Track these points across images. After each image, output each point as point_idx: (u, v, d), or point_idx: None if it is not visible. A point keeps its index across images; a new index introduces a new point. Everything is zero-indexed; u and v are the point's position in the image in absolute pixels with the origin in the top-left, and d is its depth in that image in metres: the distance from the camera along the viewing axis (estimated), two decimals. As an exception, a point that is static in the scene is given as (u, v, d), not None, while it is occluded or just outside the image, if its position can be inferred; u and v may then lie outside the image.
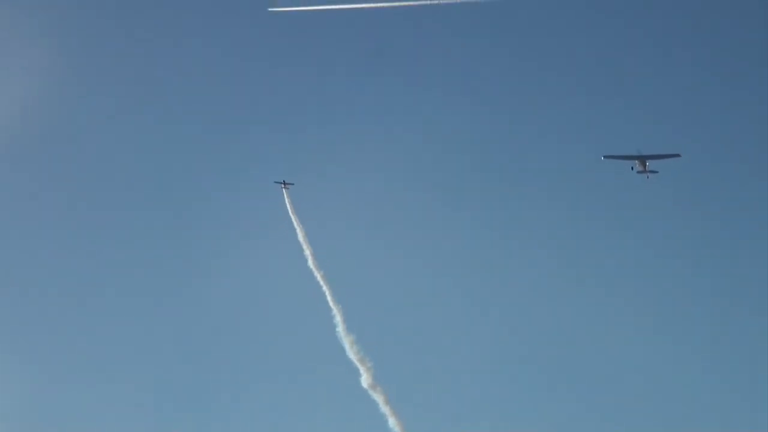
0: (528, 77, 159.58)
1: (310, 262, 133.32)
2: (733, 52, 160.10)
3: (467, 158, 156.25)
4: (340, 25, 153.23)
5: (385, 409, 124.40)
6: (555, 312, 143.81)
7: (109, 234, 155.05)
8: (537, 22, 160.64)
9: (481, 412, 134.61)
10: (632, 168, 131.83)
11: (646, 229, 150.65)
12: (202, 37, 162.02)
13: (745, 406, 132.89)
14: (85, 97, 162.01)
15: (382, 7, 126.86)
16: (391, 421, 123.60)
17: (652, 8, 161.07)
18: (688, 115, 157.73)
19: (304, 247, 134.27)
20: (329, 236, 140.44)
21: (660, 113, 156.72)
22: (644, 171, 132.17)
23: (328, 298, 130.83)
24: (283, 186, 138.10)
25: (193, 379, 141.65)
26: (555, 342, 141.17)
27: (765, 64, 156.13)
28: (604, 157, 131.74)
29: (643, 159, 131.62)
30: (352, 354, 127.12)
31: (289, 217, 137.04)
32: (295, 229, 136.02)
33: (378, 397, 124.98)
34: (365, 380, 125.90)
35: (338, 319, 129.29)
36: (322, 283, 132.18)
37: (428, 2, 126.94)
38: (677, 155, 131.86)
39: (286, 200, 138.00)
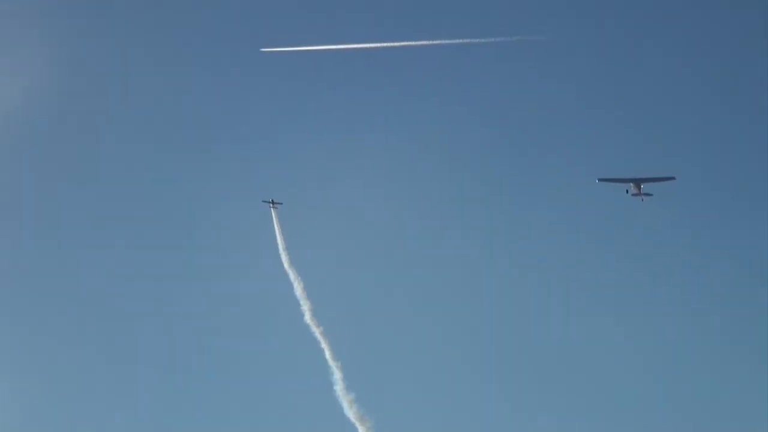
0: (520, 101, 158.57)
1: (308, 317, 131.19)
2: (729, 75, 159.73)
3: (461, 183, 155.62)
4: (331, 65, 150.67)
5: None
6: (552, 337, 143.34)
7: (88, 261, 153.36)
8: (533, 42, 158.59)
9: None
10: (627, 191, 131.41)
11: (640, 253, 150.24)
12: (196, 76, 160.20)
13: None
14: (78, 121, 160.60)
15: (372, 48, 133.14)
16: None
17: (648, 29, 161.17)
18: (683, 139, 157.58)
19: (302, 302, 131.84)
20: (319, 266, 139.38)
21: (655, 136, 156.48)
22: (639, 194, 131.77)
23: (327, 355, 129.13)
24: (271, 205, 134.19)
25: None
26: (553, 371, 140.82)
27: (761, 86, 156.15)
28: (599, 180, 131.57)
29: (637, 182, 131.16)
30: (350, 413, 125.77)
31: (276, 241, 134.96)
32: (280, 255, 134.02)
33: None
34: None
35: (337, 376, 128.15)
36: (320, 338, 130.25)
37: (420, 43, 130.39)
38: (672, 178, 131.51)
39: (274, 221, 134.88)
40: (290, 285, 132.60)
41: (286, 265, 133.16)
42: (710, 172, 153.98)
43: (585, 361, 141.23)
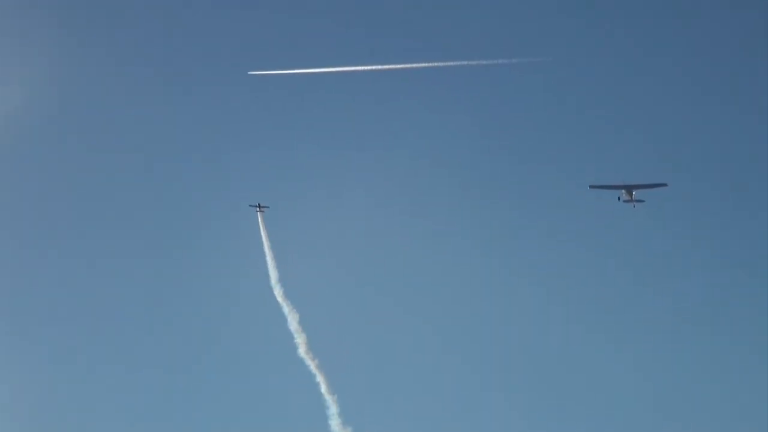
0: (510, 107, 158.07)
1: (302, 350, 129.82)
2: (721, 81, 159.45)
3: (450, 188, 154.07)
4: (318, 88, 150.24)
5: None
6: (546, 344, 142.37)
7: (78, 266, 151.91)
8: (524, 49, 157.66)
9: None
10: (619, 198, 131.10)
11: (632, 259, 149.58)
12: (184, 96, 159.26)
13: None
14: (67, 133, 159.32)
15: (359, 71, 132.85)
16: None
17: (639, 34, 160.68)
18: (675, 145, 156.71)
19: (296, 335, 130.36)
20: (307, 276, 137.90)
21: (647, 142, 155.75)
22: (631, 200, 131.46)
23: (323, 389, 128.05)
24: (258, 209, 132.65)
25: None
26: (545, 380, 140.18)
27: (753, 92, 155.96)
28: (591, 186, 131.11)
29: (629, 188, 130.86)
30: None
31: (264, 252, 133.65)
32: (268, 267, 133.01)
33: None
34: None
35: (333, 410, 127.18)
36: (315, 371, 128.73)
37: (407, 66, 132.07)
38: (664, 184, 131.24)
39: (260, 225, 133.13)
40: (276, 303, 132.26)
41: (273, 281, 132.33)
42: (702, 178, 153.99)
43: (579, 367, 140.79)
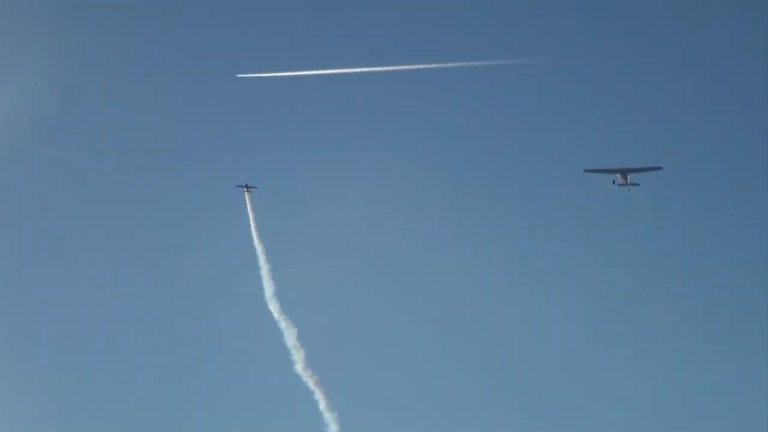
0: (503, 91, 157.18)
1: (299, 367, 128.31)
2: (716, 64, 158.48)
3: (443, 173, 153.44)
4: (306, 90, 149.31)
5: None
6: (546, 347, 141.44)
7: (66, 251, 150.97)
8: (519, 36, 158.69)
9: None
10: (614, 182, 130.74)
11: (627, 243, 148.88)
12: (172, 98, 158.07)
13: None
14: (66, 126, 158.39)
15: (347, 73, 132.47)
16: None
17: (633, 18, 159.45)
18: (670, 128, 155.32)
19: (294, 352, 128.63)
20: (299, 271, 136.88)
21: (641, 126, 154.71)
22: (626, 184, 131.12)
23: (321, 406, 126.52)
24: (245, 189, 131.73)
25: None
26: (550, 383, 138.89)
27: (749, 75, 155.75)
28: (585, 170, 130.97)
29: (624, 172, 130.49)
30: None
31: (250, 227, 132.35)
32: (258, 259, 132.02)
33: None
34: None
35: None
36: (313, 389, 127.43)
37: (395, 68, 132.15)
38: (659, 168, 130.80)
39: (248, 206, 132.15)
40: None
41: (268, 295, 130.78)
42: (698, 161, 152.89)
43: (580, 367, 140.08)
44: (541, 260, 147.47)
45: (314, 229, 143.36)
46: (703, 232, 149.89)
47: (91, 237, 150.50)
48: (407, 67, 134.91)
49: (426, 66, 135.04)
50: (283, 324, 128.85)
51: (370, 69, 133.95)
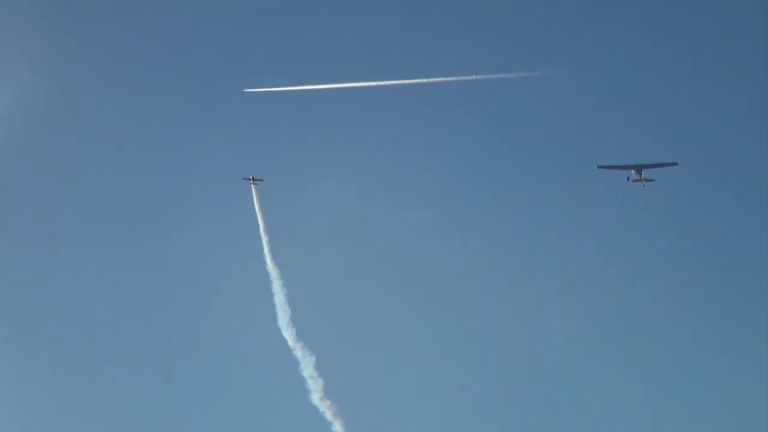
0: (516, 97, 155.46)
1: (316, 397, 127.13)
2: (732, 57, 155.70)
3: (455, 169, 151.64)
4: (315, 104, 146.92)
5: None
6: (558, 348, 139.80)
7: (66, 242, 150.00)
8: (531, 28, 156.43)
9: None
10: (628, 178, 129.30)
11: (642, 240, 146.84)
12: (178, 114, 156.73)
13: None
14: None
15: (356, 87, 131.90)
16: None
17: (646, 12, 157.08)
18: (686, 123, 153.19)
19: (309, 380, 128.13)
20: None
21: (656, 121, 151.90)
22: (640, 180, 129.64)
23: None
24: (251, 182, 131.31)
25: None
26: (561, 386, 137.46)
27: (764, 69, 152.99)
28: (598, 167, 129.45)
29: (638, 168, 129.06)
30: None
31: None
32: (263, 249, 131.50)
33: None
34: None
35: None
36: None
37: (401, 82, 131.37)
38: (674, 164, 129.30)
39: (255, 199, 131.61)
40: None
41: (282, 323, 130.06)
42: (714, 156, 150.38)
43: (584, 369, 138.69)
44: (552, 259, 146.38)
45: (320, 222, 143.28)
46: (719, 229, 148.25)
47: (94, 237, 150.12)
48: (425, 80, 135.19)
49: (438, 79, 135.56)
50: (298, 353, 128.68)
51: (388, 82, 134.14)
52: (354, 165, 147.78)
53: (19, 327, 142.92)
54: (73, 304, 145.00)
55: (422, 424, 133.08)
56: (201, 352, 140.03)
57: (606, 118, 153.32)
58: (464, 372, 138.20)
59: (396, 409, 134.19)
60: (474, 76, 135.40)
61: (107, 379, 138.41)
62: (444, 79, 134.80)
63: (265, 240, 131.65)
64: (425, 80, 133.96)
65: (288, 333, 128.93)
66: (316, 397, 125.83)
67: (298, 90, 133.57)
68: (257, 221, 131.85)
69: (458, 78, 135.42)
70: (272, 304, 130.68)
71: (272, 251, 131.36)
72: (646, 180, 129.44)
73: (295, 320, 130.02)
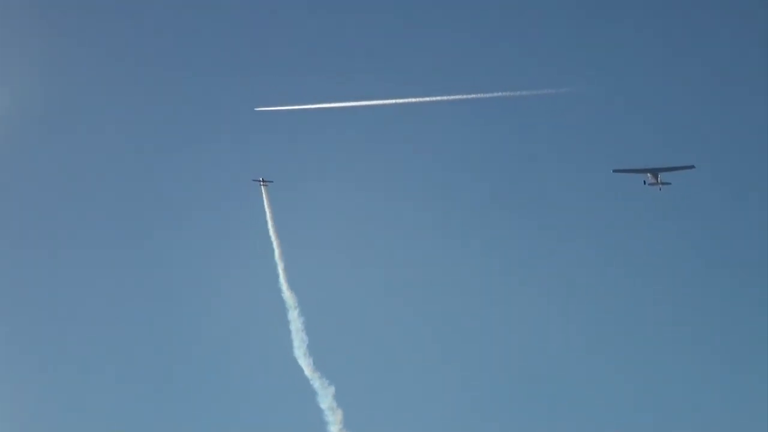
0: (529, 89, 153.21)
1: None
2: (749, 61, 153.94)
3: (469, 174, 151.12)
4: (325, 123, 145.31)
5: None
6: (568, 349, 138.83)
7: (71, 242, 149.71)
8: (545, 30, 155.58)
9: None
10: (644, 182, 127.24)
11: (658, 243, 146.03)
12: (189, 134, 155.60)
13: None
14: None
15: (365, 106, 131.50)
16: None
17: (662, 15, 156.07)
18: (703, 125, 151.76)
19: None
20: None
21: (672, 123, 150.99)
22: (656, 183, 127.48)
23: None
24: (261, 183, 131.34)
25: None
26: (568, 388, 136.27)
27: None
28: (614, 171, 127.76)
29: (655, 171, 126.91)
30: None
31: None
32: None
33: None
34: None
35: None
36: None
37: (412, 100, 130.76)
38: (691, 167, 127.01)
39: (264, 201, 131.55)
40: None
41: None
42: (731, 159, 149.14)
43: (590, 370, 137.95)
44: (558, 261, 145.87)
45: (329, 224, 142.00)
46: (736, 232, 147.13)
47: (98, 237, 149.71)
48: (439, 98, 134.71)
49: (447, 98, 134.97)
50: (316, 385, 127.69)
51: (386, 102, 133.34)
52: (363, 165, 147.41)
53: (19, 327, 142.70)
54: (73, 305, 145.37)
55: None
56: (201, 352, 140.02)
57: (621, 124, 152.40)
58: (487, 395, 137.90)
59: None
60: (497, 93, 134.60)
61: (107, 392, 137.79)
62: (461, 96, 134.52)
63: (275, 243, 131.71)
64: (449, 98, 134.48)
65: (295, 326, 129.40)
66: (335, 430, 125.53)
67: (313, 108, 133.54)
68: (266, 222, 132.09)
69: (480, 95, 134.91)
70: (281, 301, 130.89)
71: (283, 255, 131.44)
72: (663, 183, 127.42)
73: (302, 313, 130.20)
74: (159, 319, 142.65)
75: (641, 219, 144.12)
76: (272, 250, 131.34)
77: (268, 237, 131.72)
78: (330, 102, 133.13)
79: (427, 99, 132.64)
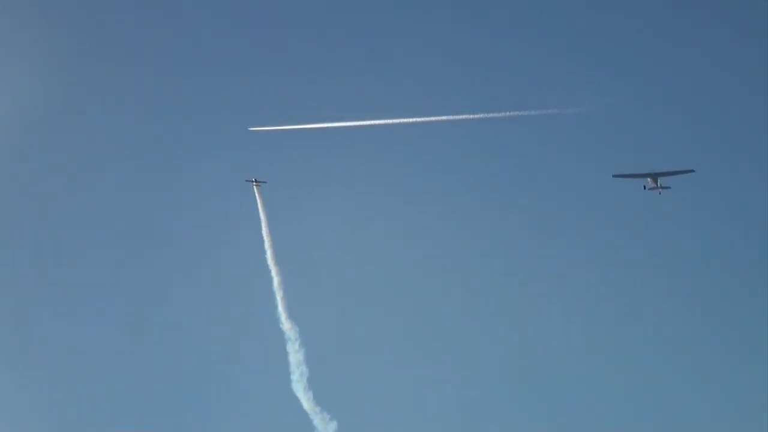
0: (530, 93, 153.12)
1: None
2: (748, 65, 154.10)
3: (468, 177, 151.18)
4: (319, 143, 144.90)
5: None
6: (569, 351, 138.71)
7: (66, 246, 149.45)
8: (546, 30, 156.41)
9: None
10: (644, 187, 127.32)
11: (658, 247, 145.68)
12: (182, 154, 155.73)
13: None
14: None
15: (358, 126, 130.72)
16: None
17: (661, 19, 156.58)
18: (702, 130, 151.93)
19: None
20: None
21: (672, 127, 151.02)
22: (656, 187, 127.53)
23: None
24: (254, 184, 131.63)
25: None
26: (571, 392, 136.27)
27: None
28: (614, 176, 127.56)
29: (654, 176, 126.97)
30: None
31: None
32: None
33: None
34: None
35: None
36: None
37: (407, 120, 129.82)
38: (691, 171, 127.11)
39: (258, 201, 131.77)
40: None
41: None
42: (732, 163, 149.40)
43: (590, 370, 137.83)
44: (559, 264, 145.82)
45: (323, 225, 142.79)
46: (736, 236, 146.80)
47: (95, 237, 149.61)
48: (443, 118, 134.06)
49: (443, 118, 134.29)
50: (287, 326, 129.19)
51: (384, 122, 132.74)
52: (363, 169, 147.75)
53: (19, 327, 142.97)
54: (71, 306, 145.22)
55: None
56: (202, 352, 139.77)
57: (621, 129, 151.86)
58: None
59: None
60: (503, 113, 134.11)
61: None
62: (456, 117, 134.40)
63: (267, 242, 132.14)
64: (451, 118, 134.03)
65: (289, 326, 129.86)
66: None
67: (308, 129, 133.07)
68: (260, 223, 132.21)
69: (484, 116, 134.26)
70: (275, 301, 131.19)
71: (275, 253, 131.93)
72: (663, 188, 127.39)
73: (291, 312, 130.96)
74: (149, 334, 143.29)
75: (641, 223, 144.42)
76: (264, 253, 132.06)
77: (261, 239, 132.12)
78: (326, 122, 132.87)
79: (432, 119, 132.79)
